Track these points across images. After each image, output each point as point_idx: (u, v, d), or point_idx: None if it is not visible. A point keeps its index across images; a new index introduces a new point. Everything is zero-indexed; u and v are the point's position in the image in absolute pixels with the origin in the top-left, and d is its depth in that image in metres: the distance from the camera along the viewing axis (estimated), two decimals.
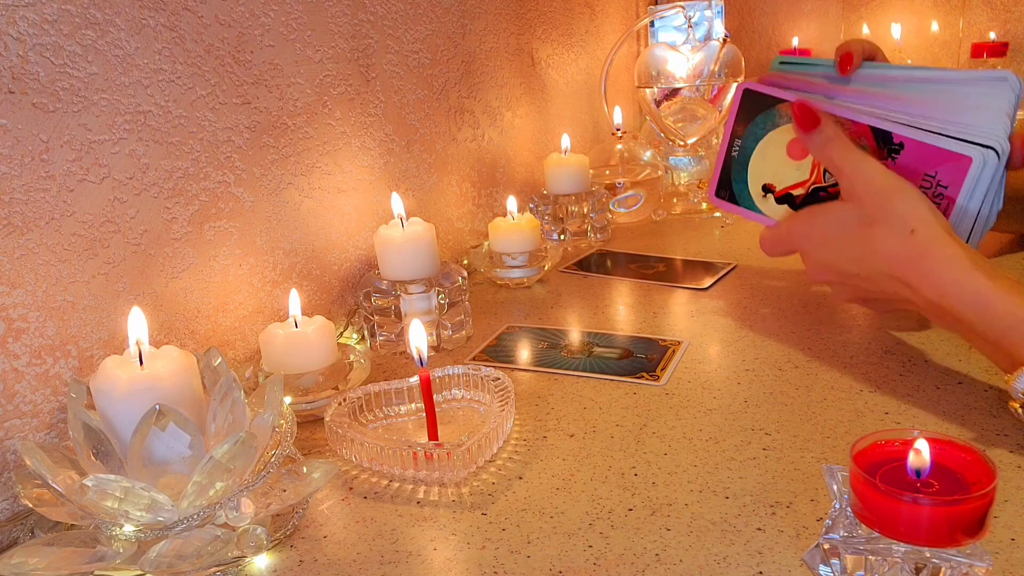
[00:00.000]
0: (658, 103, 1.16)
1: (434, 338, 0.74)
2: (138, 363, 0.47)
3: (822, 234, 0.60)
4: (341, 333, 0.78)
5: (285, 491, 0.49)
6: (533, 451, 0.56)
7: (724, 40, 1.14)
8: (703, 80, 1.14)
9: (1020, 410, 0.51)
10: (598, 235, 1.03)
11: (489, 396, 0.60)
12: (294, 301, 0.64)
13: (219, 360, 0.51)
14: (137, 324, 0.48)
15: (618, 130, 1.13)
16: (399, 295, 0.73)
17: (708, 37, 1.27)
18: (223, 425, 0.48)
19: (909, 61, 1.52)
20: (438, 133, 0.92)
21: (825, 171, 0.64)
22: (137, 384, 0.45)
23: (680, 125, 1.16)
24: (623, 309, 0.82)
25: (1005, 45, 1.40)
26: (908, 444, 0.39)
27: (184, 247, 0.63)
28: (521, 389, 0.65)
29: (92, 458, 0.45)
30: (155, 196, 0.60)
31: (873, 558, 0.38)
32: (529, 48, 1.10)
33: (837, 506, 0.41)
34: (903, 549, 0.38)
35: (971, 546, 0.37)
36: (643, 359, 0.68)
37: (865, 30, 1.56)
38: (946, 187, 0.58)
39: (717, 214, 1.14)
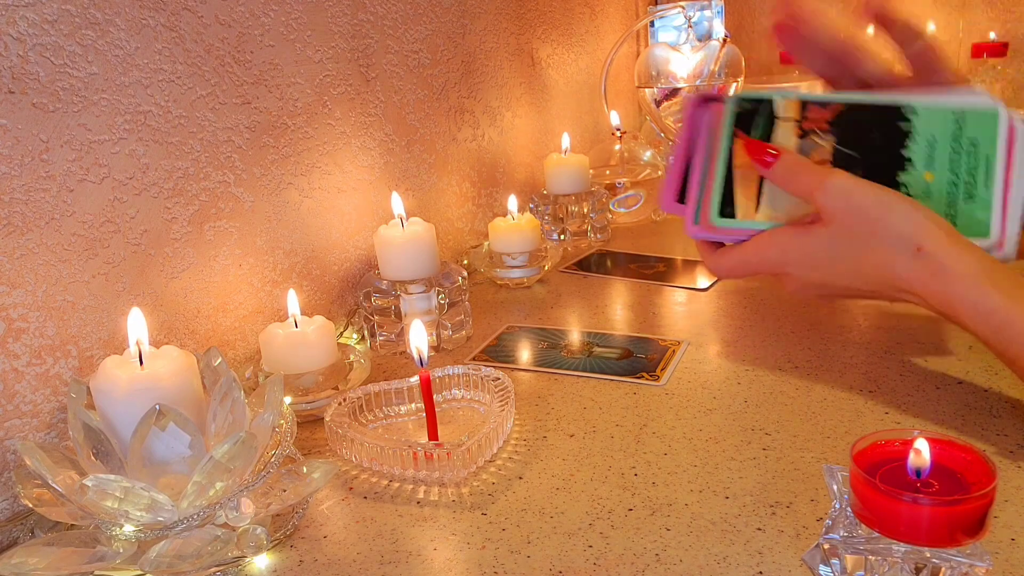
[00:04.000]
0: (658, 103, 1.17)
1: (434, 338, 0.74)
2: (138, 363, 0.47)
3: (806, 259, 0.54)
4: (341, 333, 0.78)
5: (285, 491, 0.49)
6: (533, 451, 0.56)
7: (724, 40, 1.14)
8: (703, 80, 1.14)
9: None
10: (598, 235, 1.03)
11: (489, 396, 0.60)
12: (292, 301, 0.64)
13: (219, 360, 0.51)
14: (137, 324, 0.48)
15: (618, 130, 1.13)
16: (399, 295, 0.73)
17: (708, 37, 1.27)
18: (223, 425, 0.48)
19: None
20: (438, 133, 0.92)
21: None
22: (137, 384, 0.45)
23: (680, 125, 1.16)
24: (623, 309, 0.82)
25: (1005, 45, 1.40)
26: (908, 444, 0.39)
27: (184, 247, 0.63)
28: (521, 389, 0.65)
29: (92, 458, 0.45)
30: (155, 196, 0.60)
31: (873, 558, 0.38)
32: (529, 48, 1.10)
33: (837, 506, 0.41)
34: (903, 549, 0.38)
35: (971, 546, 0.37)
36: (643, 359, 0.68)
37: (869, 31, 1.56)
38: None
39: None
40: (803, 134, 0.57)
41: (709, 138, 0.60)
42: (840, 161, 0.57)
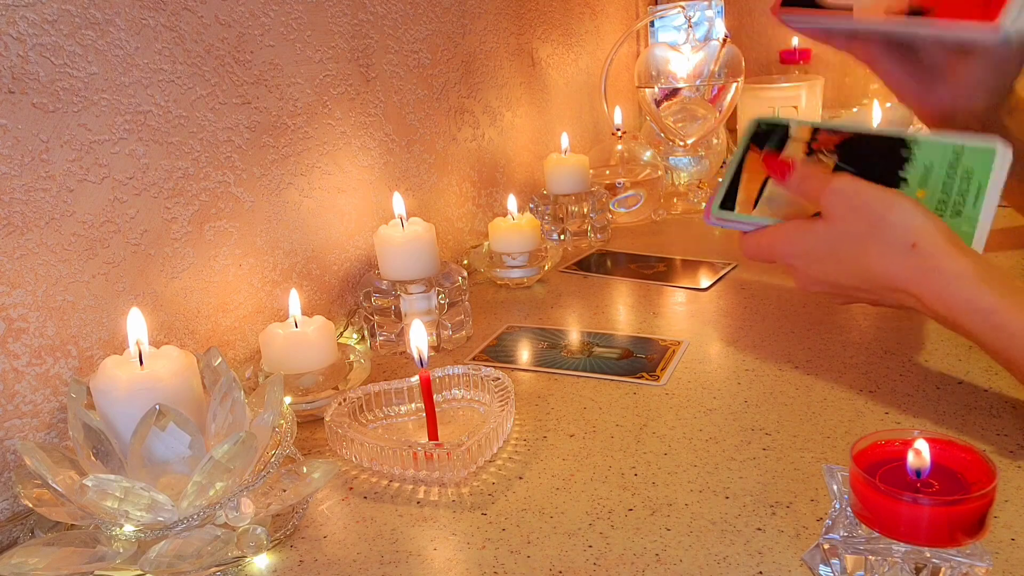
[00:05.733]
0: (658, 103, 1.17)
1: (434, 338, 0.74)
2: (138, 363, 0.47)
3: (810, 252, 0.56)
4: (341, 333, 0.78)
5: (285, 491, 0.49)
6: (533, 451, 0.56)
7: (724, 40, 1.14)
8: (703, 80, 1.14)
9: None
10: (598, 235, 1.03)
11: (489, 396, 0.60)
12: (294, 301, 0.64)
13: (219, 360, 0.51)
14: (137, 324, 0.48)
15: (618, 130, 1.13)
16: (399, 295, 0.73)
17: (708, 37, 1.27)
18: (223, 425, 0.48)
19: None
20: (438, 133, 0.92)
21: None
22: (137, 384, 0.45)
23: (680, 125, 1.16)
24: (623, 309, 0.82)
25: None
26: (908, 444, 0.39)
27: (184, 247, 0.63)
28: (521, 389, 0.65)
29: (92, 458, 0.45)
30: (155, 196, 0.60)
31: (873, 558, 0.38)
32: (529, 48, 1.10)
33: (837, 506, 0.41)
34: (903, 549, 0.38)
35: (971, 546, 0.37)
36: (643, 359, 0.68)
37: None
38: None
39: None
40: (810, 152, 0.61)
41: None
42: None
